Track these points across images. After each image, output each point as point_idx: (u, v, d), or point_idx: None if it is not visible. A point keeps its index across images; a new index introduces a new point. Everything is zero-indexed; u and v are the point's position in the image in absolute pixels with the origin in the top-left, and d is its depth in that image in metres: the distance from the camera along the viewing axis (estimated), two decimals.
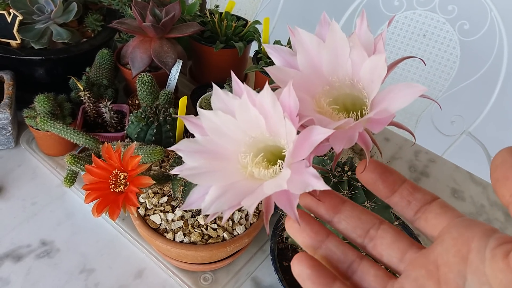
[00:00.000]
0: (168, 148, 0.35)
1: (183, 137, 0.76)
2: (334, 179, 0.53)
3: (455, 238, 0.24)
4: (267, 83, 0.29)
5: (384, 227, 0.28)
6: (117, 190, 0.57)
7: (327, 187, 0.25)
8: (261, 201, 0.29)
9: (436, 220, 0.26)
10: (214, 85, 0.31)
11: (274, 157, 0.32)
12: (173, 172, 0.31)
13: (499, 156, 0.22)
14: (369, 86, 0.29)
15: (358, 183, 0.53)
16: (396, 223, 0.57)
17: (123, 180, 0.57)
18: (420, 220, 0.27)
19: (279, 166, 0.30)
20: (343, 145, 0.26)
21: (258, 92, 0.30)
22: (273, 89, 0.30)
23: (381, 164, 0.28)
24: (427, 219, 0.26)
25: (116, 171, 0.57)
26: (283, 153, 0.29)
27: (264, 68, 0.31)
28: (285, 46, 0.61)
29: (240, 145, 0.32)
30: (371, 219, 0.28)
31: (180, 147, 0.31)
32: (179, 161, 0.61)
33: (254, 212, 0.68)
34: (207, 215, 0.29)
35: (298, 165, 0.28)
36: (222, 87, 0.34)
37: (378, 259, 0.28)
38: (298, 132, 0.28)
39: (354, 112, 0.31)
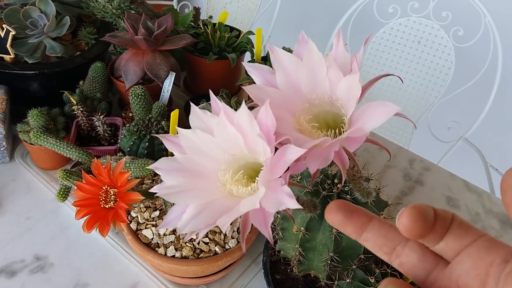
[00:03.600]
0: (147, 167, 0.34)
1: None
2: (323, 192, 0.53)
3: (476, 261, 0.24)
4: (243, 102, 0.29)
5: (410, 244, 0.28)
6: (107, 206, 0.57)
7: (299, 206, 0.25)
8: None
9: (457, 242, 0.26)
10: (191, 104, 0.31)
11: (256, 173, 0.32)
12: (152, 190, 0.31)
13: (508, 178, 0.22)
14: (346, 105, 0.29)
15: (348, 196, 0.53)
16: None
17: (113, 196, 0.56)
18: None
19: (257, 183, 0.30)
20: (318, 165, 0.26)
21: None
22: (252, 108, 0.30)
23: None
24: (447, 242, 0.26)
25: (106, 187, 0.57)
26: (262, 170, 0.29)
27: (243, 87, 0.31)
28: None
29: (219, 163, 0.32)
30: (398, 236, 0.28)
31: (158, 166, 0.31)
32: None
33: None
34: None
35: (275, 183, 0.27)
36: None
37: (405, 274, 0.29)
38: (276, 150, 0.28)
39: (333, 130, 0.30)
